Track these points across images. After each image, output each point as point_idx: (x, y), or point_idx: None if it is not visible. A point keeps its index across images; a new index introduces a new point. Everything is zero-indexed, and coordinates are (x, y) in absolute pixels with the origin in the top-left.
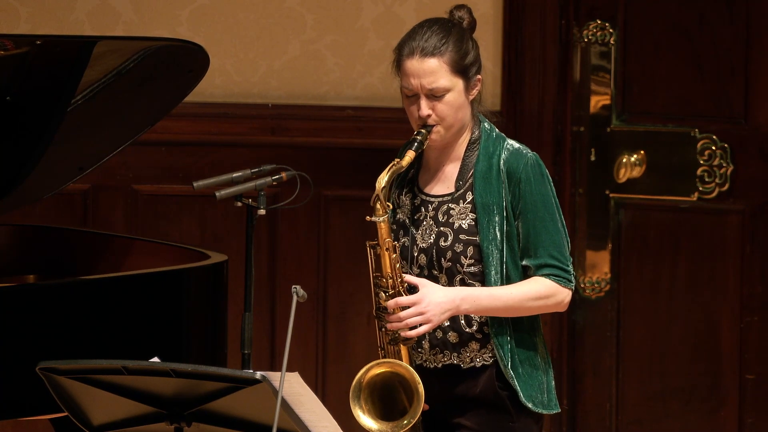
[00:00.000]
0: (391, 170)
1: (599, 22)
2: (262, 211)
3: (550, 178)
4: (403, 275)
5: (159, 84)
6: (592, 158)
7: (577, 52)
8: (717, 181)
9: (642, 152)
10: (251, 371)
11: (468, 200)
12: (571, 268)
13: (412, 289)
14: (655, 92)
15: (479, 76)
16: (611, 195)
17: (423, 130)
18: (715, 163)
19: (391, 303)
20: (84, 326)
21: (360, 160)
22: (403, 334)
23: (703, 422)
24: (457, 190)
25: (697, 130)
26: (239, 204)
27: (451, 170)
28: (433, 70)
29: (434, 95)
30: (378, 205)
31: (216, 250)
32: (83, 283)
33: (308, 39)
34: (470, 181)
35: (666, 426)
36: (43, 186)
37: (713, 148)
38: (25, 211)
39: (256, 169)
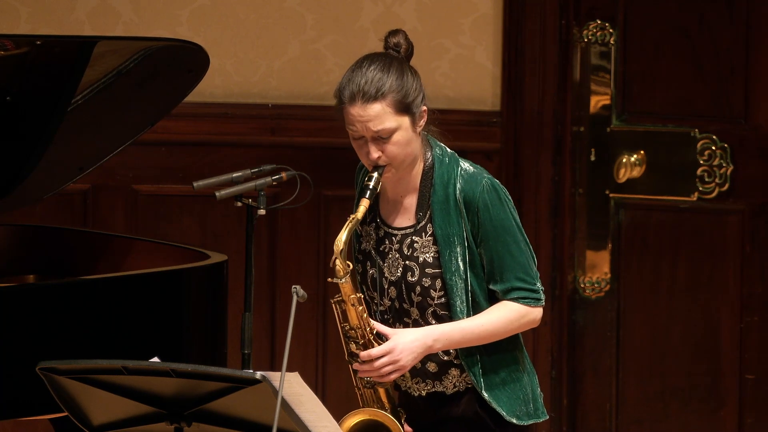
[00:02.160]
0: (349, 228)
1: (599, 22)
2: (262, 211)
3: (509, 197)
4: (372, 324)
5: (159, 84)
6: (592, 158)
7: (577, 52)
8: (717, 181)
9: (642, 152)
10: (251, 371)
11: (429, 233)
12: (538, 285)
13: (381, 337)
14: (655, 92)
15: (424, 107)
16: (611, 195)
17: (375, 174)
18: (715, 163)
19: (363, 355)
20: (84, 326)
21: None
22: (376, 380)
23: (703, 422)
24: (418, 222)
25: (697, 130)
26: (239, 204)
27: (410, 202)
28: (377, 114)
29: (381, 137)
30: (338, 266)
31: (216, 250)
32: (83, 283)
33: (308, 39)
34: (429, 212)
35: (666, 426)
36: (43, 186)
37: (713, 148)
38: (25, 211)
39: (256, 169)
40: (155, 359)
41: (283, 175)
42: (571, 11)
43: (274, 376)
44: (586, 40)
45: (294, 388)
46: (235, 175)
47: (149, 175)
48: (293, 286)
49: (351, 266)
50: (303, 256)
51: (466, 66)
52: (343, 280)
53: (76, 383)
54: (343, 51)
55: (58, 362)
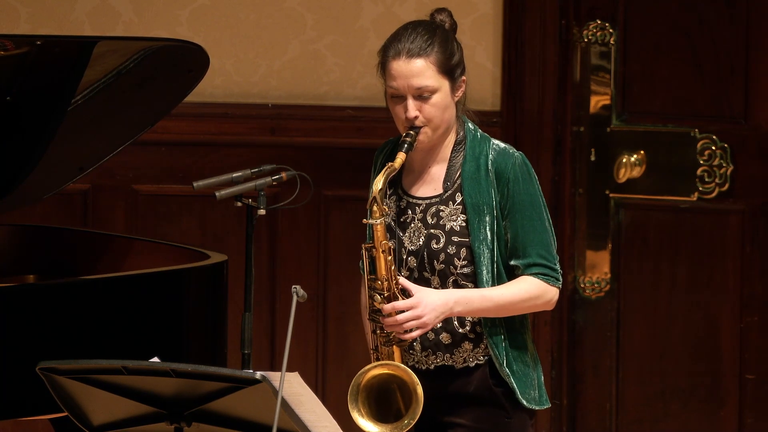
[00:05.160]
0: (386, 173)
1: (599, 22)
2: (262, 211)
3: (536, 176)
4: (399, 278)
5: (159, 84)
6: (592, 158)
7: (577, 52)
8: (717, 181)
9: (642, 152)
10: (251, 371)
11: (458, 201)
12: (558, 266)
13: (405, 293)
14: (655, 92)
15: (464, 78)
16: (611, 195)
17: (412, 132)
18: (715, 163)
19: (387, 307)
20: (84, 326)
21: (360, 160)
22: (398, 336)
23: (703, 422)
24: (445, 191)
25: (697, 130)
26: (239, 204)
27: (438, 171)
28: (420, 70)
29: (421, 96)
30: (375, 208)
31: (216, 250)
32: (83, 283)
33: (308, 39)
34: (458, 182)
35: (666, 426)
36: (43, 186)
37: (713, 148)
38: (25, 211)
39: (256, 169)
40: (155, 359)
41: (283, 175)
42: (571, 11)
43: (274, 376)
44: (586, 40)
45: (294, 388)
46: (235, 175)
47: (149, 175)
48: (293, 286)
49: (387, 210)
50: (303, 256)
51: (467, 66)
52: (379, 221)
53: (76, 383)
54: (343, 51)
55: (58, 362)
